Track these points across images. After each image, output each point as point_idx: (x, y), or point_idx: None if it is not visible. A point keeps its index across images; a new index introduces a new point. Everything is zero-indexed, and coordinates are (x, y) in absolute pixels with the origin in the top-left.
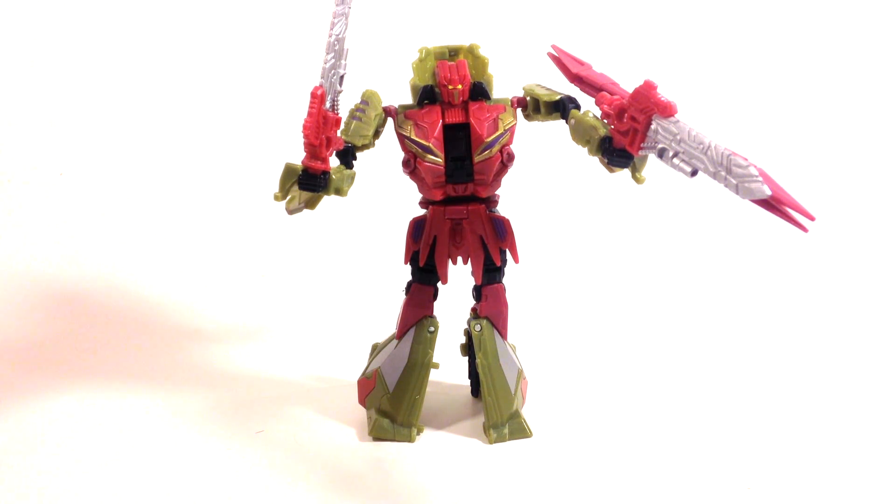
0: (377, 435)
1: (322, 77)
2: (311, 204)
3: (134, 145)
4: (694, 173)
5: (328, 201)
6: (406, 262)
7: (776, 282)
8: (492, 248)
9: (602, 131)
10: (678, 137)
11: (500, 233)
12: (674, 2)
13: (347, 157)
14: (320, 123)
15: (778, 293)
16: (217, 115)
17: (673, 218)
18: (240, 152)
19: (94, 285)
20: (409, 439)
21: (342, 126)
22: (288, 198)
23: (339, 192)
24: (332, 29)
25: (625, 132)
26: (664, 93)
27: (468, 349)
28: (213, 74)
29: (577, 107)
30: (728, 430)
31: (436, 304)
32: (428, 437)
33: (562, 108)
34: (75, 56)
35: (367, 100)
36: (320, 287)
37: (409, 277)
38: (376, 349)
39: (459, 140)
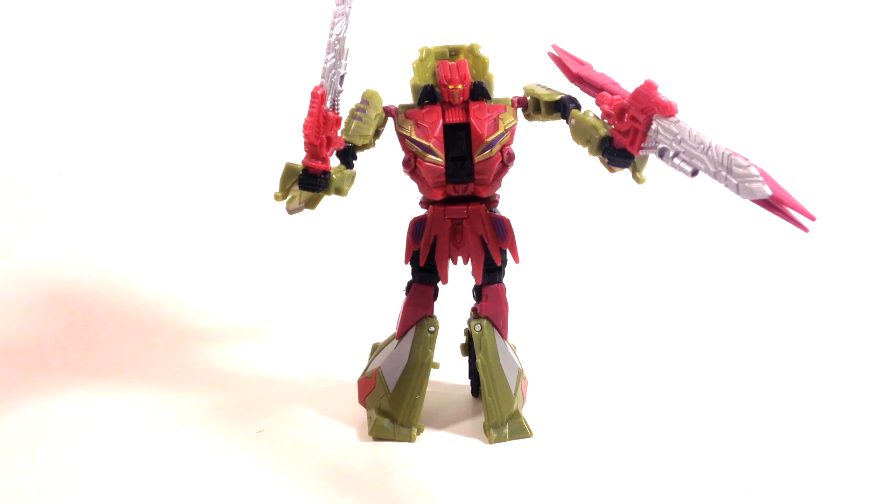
0: (377, 435)
1: (322, 77)
2: (311, 204)
3: (134, 145)
4: (694, 173)
5: (328, 201)
6: (406, 262)
7: (776, 282)
8: (492, 247)
9: (602, 131)
10: (679, 137)
11: (501, 233)
12: (674, 2)
13: (348, 156)
14: (321, 123)
15: (778, 293)
16: (217, 115)
17: (673, 218)
18: (240, 152)
19: (93, 285)
20: (410, 439)
21: (342, 126)
22: (288, 197)
23: (339, 191)
24: (332, 29)
25: (625, 132)
26: (665, 93)
27: (468, 349)
28: (214, 74)
29: (578, 107)
30: (728, 430)
31: (436, 304)
32: (428, 437)
33: (562, 107)
34: (75, 56)
35: (367, 99)
36: (320, 287)
37: (410, 277)
38: (376, 349)
39: (460, 140)
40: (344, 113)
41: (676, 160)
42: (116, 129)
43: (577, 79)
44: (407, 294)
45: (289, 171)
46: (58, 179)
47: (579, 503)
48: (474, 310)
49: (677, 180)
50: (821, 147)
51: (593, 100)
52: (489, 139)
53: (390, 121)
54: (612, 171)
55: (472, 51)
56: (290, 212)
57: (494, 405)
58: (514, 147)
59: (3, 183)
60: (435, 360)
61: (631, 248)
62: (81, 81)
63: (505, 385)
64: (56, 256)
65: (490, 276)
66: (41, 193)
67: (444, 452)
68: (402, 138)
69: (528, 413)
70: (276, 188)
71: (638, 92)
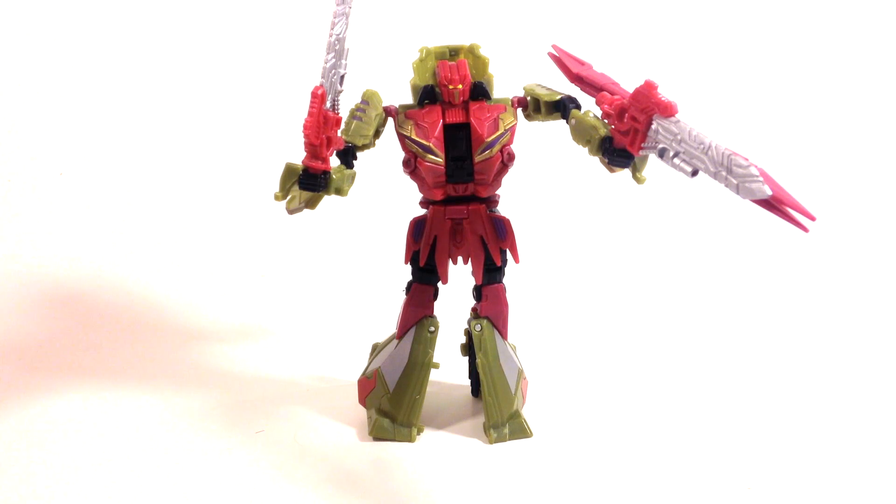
0: (377, 435)
1: (322, 77)
2: (311, 204)
3: (134, 145)
4: (695, 173)
5: (328, 201)
6: (406, 262)
7: (776, 282)
8: (492, 247)
9: (602, 131)
10: (679, 137)
11: (501, 233)
12: (674, 2)
13: (348, 156)
14: (321, 123)
15: (778, 293)
16: (217, 115)
17: (673, 218)
18: (240, 152)
19: (94, 285)
20: (410, 439)
21: (342, 126)
22: (288, 198)
23: (339, 191)
24: (332, 29)
25: (625, 132)
26: (665, 93)
27: (468, 349)
28: (214, 74)
29: (578, 107)
30: (728, 430)
31: (436, 304)
32: (428, 437)
33: (562, 107)
34: (75, 56)
35: (367, 99)
36: (320, 287)
37: (410, 277)
38: (376, 349)
39: (460, 140)
40: (344, 113)
41: (676, 160)
42: (116, 129)
43: (577, 79)
44: (407, 294)
45: (289, 171)
46: (58, 179)
47: (579, 503)
48: (474, 310)
49: (677, 180)
50: (821, 147)
51: (593, 100)
52: (489, 139)
53: (390, 121)
54: (612, 171)
55: (472, 51)
56: (290, 212)
57: (494, 405)
58: (514, 147)
59: (3, 183)
60: (435, 360)
61: (631, 248)
62: (81, 81)
63: (505, 385)
64: (56, 256)
65: (490, 276)
66: (41, 193)
67: (444, 452)
68: (402, 138)
69: (528, 413)
70: (276, 188)
71: (638, 92)
